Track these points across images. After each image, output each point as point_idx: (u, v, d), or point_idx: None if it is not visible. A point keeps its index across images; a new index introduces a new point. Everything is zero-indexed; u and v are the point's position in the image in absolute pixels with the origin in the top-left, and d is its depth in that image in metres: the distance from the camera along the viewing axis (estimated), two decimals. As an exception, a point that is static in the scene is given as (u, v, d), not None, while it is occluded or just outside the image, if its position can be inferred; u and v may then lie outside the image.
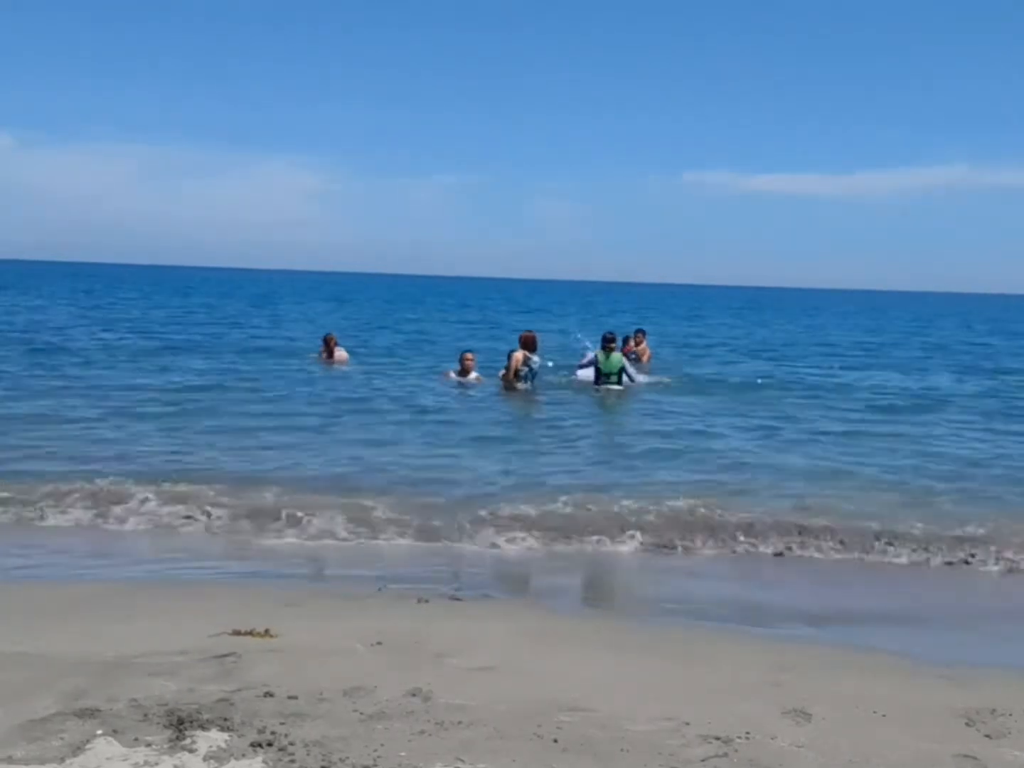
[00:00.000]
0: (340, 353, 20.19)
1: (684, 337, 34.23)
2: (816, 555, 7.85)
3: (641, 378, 17.33)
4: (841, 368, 23.70)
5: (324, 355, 20.23)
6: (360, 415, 13.75)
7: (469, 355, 17.68)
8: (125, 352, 21.40)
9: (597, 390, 16.56)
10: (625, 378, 16.75)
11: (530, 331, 16.70)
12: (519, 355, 16.04)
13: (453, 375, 17.34)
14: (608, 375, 16.69)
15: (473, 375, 17.20)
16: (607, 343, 16.83)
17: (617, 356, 16.80)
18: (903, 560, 7.80)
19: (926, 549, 7.92)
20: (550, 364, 17.95)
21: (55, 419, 12.52)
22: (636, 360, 19.89)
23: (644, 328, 22.35)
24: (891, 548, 7.95)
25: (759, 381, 19.62)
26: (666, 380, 18.05)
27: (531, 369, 16.07)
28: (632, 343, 20.77)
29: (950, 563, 7.76)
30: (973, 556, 7.82)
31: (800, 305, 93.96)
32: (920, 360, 27.61)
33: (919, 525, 8.39)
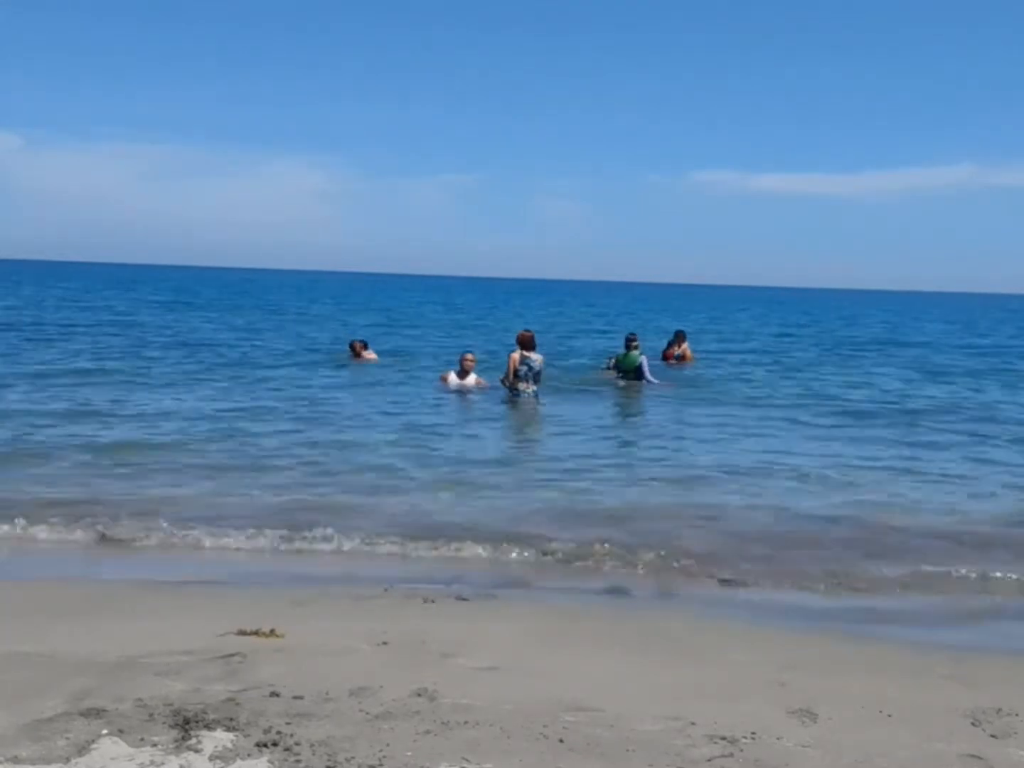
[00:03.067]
0: (369, 354, 20.87)
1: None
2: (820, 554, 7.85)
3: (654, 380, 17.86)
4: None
5: (352, 357, 20.86)
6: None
7: (469, 356, 17.41)
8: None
9: (618, 384, 17.79)
10: (647, 372, 17.67)
11: (527, 330, 16.55)
12: (516, 356, 15.86)
13: (453, 377, 17.03)
14: (626, 372, 17.84)
15: (472, 378, 16.95)
16: (629, 343, 17.96)
17: (634, 355, 17.75)
18: (903, 558, 7.79)
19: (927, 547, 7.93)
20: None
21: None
22: (680, 360, 20.29)
23: (683, 329, 22.59)
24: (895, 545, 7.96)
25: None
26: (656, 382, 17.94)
27: (531, 368, 15.87)
28: (675, 347, 20.94)
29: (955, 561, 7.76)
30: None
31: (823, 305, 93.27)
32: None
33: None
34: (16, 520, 7.94)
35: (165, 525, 7.95)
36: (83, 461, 10.25)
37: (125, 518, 8.10)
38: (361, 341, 21.53)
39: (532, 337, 16.09)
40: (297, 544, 7.73)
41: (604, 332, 35.63)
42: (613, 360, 18.50)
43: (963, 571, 7.31)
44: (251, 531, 7.88)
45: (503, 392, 15.87)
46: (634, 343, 17.98)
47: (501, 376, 16.15)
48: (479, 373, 17.16)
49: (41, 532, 7.83)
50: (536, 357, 15.94)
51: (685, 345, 21.28)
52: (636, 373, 17.74)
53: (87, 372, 18.11)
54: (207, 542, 7.73)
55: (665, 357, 20.96)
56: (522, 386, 15.68)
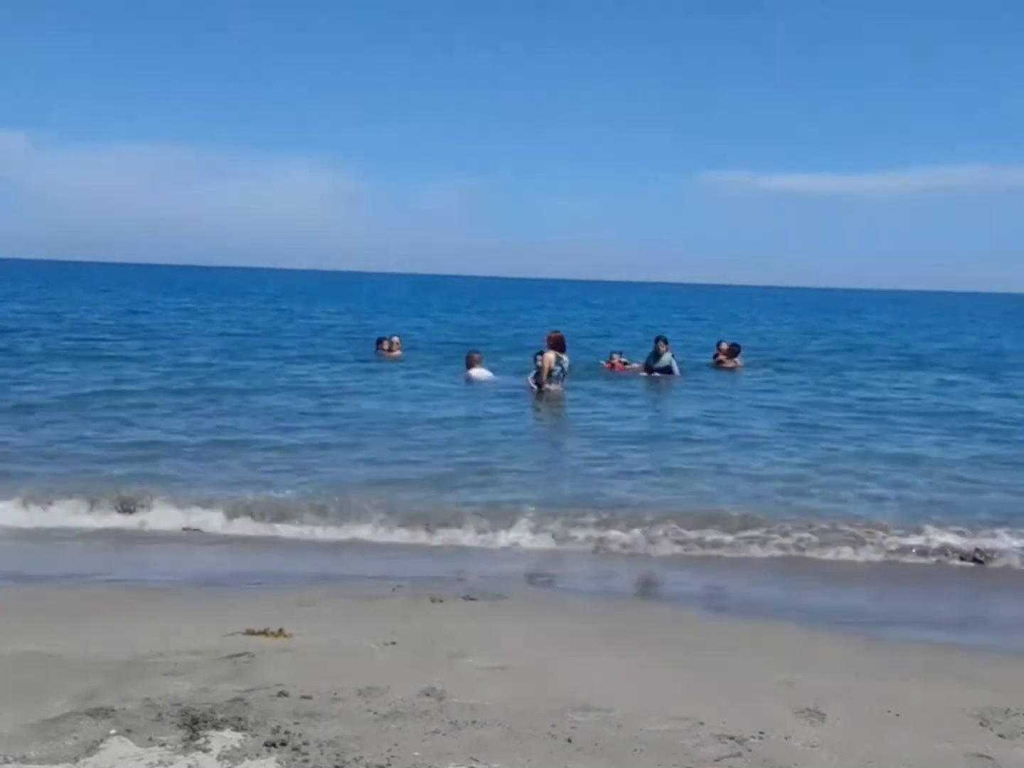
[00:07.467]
0: (395, 353, 22.03)
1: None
2: (828, 555, 7.85)
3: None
4: None
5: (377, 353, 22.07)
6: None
7: (476, 355, 18.40)
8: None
9: (649, 377, 19.18)
10: (675, 368, 19.32)
11: (557, 331, 16.86)
12: (550, 356, 16.14)
13: (531, 384, 16.90)
14: (659, 371, 19.19)
15: (483, 372, 17.83)
16: (659, 345, 19.49)
17: (666, 357, 19.37)
18: (916, 559, 7.80)
19: (940, 548, 7.93)
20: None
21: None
22: (723, 367, 21.58)
23: (737, 343, 23.05)
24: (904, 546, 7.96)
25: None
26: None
27: (563, 369, 16.20)
28: (722, 356, 21.85)
29: (964, 562, 7.77)
30: (990, 555, 7.82)
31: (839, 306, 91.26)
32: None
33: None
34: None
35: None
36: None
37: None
38: (387, 338, 22.83)
39: (563, 338, 16.39)
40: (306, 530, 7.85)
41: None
42: (643, 361, 19.85)
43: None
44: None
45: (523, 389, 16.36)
46: (665, 345, 19.51)
47: (532, 376, 16.35)
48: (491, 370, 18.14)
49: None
50: (566, 358, 16.25)
51: (737, 359, 21.94)
52: (668, 370, 19.30)
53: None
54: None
55: (717, 363, 21.95)
56: (552, 386, 16.00)
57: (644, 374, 19.40)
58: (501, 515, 8.41)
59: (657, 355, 19.42)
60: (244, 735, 3.78)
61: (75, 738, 3.72)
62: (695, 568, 7.56)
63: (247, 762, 3.58)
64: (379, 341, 22.73)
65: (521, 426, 13.64)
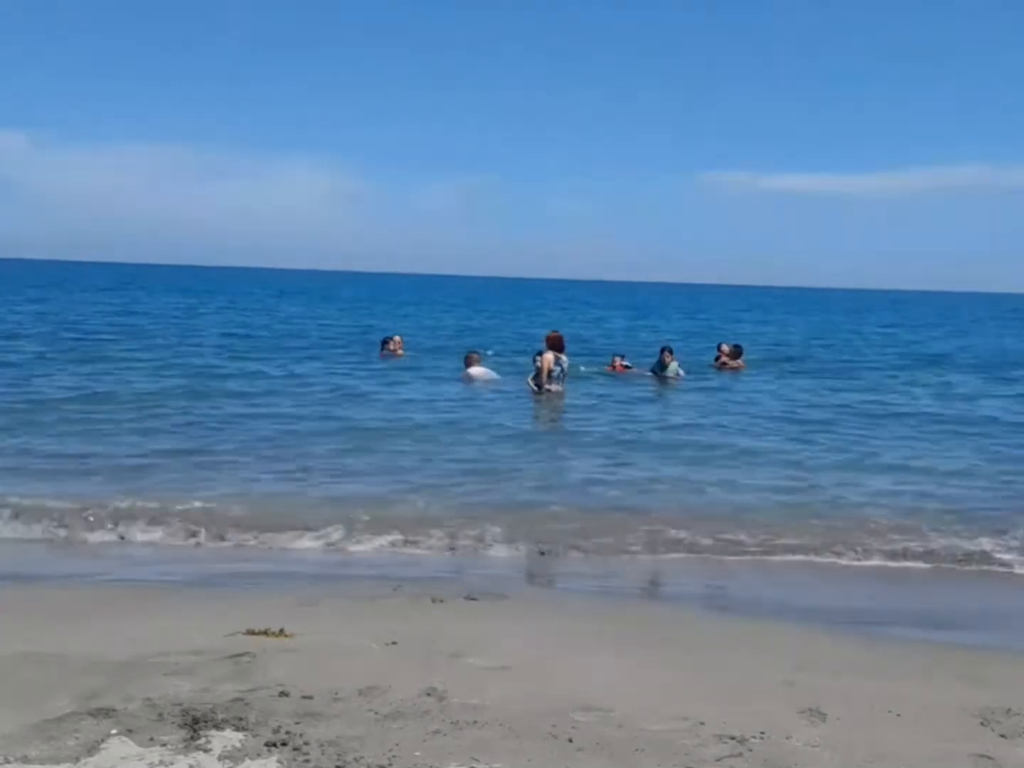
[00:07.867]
0: (401, 352, 22.55)
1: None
2: (828, 555, 7.85)
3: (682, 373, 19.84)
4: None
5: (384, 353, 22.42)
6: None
7: (475, 356, 18.72)
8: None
9: (652, 379, 19.49)
10: (680, 374, 19.63)
11: (556, 331, 16.90)
12: (549, 356, 16.15)
13: (531, 384, 16.97)
14: (665, 378, 19.60)
15: (482, 370, 18.12)
16: (665, 355, 19.83)
17: (673, 366, 19.68)
18: (920, 562, 7.81)
19: (941, 550, 7.94)
20: (582, 368, 19.42)
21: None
22: (727, 368, 21.78)
23: (740, 344, 23.34)
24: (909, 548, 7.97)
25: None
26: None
27: (562, 369, 16.22)
28: (725, 358, 22.01)
29: (966, 563, 7.77)
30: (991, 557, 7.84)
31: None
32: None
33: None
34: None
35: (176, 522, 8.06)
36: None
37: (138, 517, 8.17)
38: (391, 337, 23.24)
39: (561, 338, 16.47)
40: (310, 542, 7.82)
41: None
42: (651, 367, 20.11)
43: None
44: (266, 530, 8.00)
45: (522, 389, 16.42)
46: (670, 356, 19.80)
47: (531, 377, 16.36)
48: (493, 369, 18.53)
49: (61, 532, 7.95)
50: (565, 358, 16.28)
51: (739, 360, 22.07)
52: (673, 376, 19.66)
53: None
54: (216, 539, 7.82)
55: (720, 364, 22.02)
56: (553, 386, 16.01)
57: (649, 374, 19.63)
58: (500, 516, 8.41)
59: (663, 365, 19.65)
60: (245, 735, 3.78)
61: (76, 738, 3.72)
62: (695, 568, 7.56)
63: (248, 762, 3.58)
64: (384, 341, 23.04)
65: (520, 427, 13.60)
